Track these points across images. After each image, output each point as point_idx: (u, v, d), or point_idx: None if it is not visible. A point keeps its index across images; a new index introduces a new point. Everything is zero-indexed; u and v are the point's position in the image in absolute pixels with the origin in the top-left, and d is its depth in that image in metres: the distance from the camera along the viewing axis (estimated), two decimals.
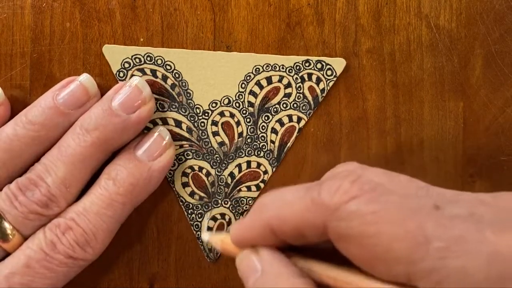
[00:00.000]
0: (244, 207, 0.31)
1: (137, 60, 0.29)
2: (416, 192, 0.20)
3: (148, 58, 0.29)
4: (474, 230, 0.18)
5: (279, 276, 0.21)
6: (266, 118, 0.30)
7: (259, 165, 0.30)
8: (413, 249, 0.18)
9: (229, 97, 0.30)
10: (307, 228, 0.21)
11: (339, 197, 0.20)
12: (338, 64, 0.30)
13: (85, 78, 0.28)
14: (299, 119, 0.30)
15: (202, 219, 0.30)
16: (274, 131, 0.30)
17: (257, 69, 0.30)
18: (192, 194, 0.30)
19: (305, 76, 0.30)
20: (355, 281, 0.20)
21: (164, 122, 0.30)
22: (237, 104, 0.30)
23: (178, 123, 0.30)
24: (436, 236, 0.18)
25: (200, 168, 0.30)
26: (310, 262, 0.22)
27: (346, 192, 0.20)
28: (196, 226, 0.30)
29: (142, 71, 0.29)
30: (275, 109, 0.30)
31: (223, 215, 0.31)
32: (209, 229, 0.30)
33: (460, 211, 0.19)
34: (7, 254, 0.26)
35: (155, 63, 0.29)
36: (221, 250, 0.25)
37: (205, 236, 0.27)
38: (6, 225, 0.25)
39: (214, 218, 0.31)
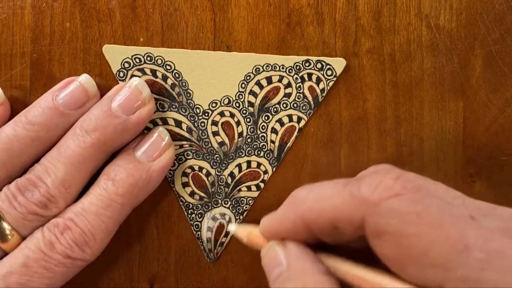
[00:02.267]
0: (244, 207, 0.31)
1: (137, 60, 0.29)
2: (453, 201, 0.20)
3: (148, 58, 0.29)
4: None
5: (304, 272, 0.21)
6: (266, 118, 0.30)
7: (259, 165, 0.30)
8: (452, 255, 0.18)
9: (229, 97, 0.30)
10: (344, 222, 0.20)
11: (381, 192, 0.19)
12: (338, 64, 0.30)
13: (84, 79, 0.28)
14: (299, 119, 0.30)
15: (202, 219, 0.30)
16: (274, 131, 0.30)
17: (257, 69, 0.30)
18: (192, 194, 0.30)
19: (305, 76, 0.30)
20: (382, 282, 0.20)
21: (164, 122, 0.30)
22: (237, 104, 0.30)
23: (178, 123, 0.30)
24: (477, 246, 0.18)
25: (200, 168, 0.30)
26: (337, 260, 0.22)
27: (389, 188, 0.19)
28: (196, 226, 0.30)
29: (142, 71, 0.29)
30: (275, 109, 0.30)
31: (223, 215, 0.31)
32: (209, 229, 0.30)
33: (495, 225, 0.19)
34: (5, 254, 0.26)
35: (155, 63, 0.29)
36: (248, 242, 0.25)
37: (232, 227, 0.27)
38: (5, 225, 0.25)
39: (214, 218, 0.31)
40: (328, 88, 0.30)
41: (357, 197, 0.20)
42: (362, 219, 0.20)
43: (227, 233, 0.31)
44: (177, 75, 0.30)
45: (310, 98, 0.30)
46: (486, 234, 0.18)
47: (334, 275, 0.21)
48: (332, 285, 0.20)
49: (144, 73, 0.29)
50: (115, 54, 0.29)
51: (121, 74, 0.29)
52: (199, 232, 0.30)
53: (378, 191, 0.19)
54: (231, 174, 0.30)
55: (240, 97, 0.30)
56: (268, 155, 0.30)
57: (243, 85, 0.30)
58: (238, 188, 0.31)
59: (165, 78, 0.29)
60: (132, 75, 0.29)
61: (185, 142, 0.30)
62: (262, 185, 0.31)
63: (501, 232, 0.18)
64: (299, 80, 0.30)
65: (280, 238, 0.23)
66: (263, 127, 0.30)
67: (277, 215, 0.23)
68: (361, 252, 0.21)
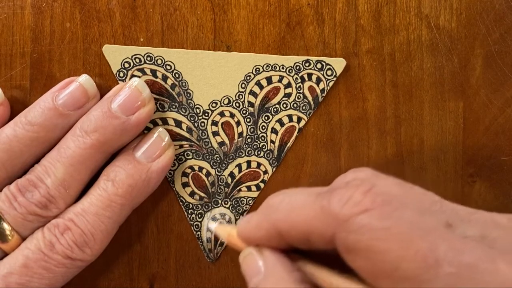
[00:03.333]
0: (244, 207, 0.31)
1: (137, 60, 0.29)
2: (430, 207, 0.20)
3: (148, 58, 0.29)
4: (486, 258, 0.17)
5: (280, 281, 0.21)
6: (266, 118, 0.30)
7: (259, 165, 0.30)
8: (422, 270, 0.17)
9: (229, 97, 0.30)
10: (315, 236, 0.20)
11: (350, 208, 0.19)
12: (338, 64, 0.30)
13: (84, 79, 0.28)
14: (299, 119, 0.30)
15: (202, 219, 0.30)
16: (274, 131, 0.30)
17: (257, 69, 0.30)
18: (192, 194, 0.30)
19: (305, 76, 0.30)
20: None
21: (164, 122, 0.30)
22: (237, 104, 0.30)
23: (178, 123, 0.30)
24: (448, 260, 0.17)
25: (200, 168, 0.30)
26: (313, 266, 0.22)
27: (358, 203, 0.19)
28: (196, 226, 0.30)
29: (142, 71, 0.29)
30: (275, 109, 0.30)
31: (223, 215, 0.31)
32: (209, 229, 0.30)
33: (472, 232, 0.19)
34: (6, 255, 0.26)
35: (155, 63, 0.29)
36: (227, 242, 0.25)
37: (212, 225, 0.26)
38: (5, 226, 0.25)
39: (214, 218, 0.31)
40: (328, 88, 0.30)
41: (327, 212, 0.20)
42: (332, 234, 0.20)
43: None
44: (177, 75, 0.30)
45: (310, 98, 0.30)
46: (458, 246, 0.18)
47: (310, 283, 0.21)
48: None
49: (144, 73, 0.29)
50: (115, 54, 0.29)
51: (121, 74, 0.29)
52: (199, 232, 0.30)
53: (347, 207, 0.19)
54: (231, 174, 0.30)
55: (240, 97, 0.30)
56: (268, 155, 0.30)
57: (243, 85, 0.30)
58: (238, 188, 0.31)
59: (165, 78, 0.29)
60: (132, 75, 0.29)
61: (185, 142, 0.30)
62: (262, 185, 0.31)
63: (476, 239, 0.18)
64: (299, 80, 0.30)
65: (256, 243, 0.23)
66: (263, 127, 0.30)
67: (252, 221, 0.23)
68: (338, 256, 0.21)
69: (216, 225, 0.26)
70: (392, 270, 0.18)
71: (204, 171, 0.30)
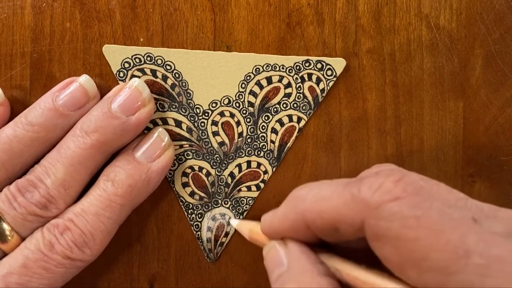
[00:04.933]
0: (244, 207, 0.31)
1: (137, 60, 0.29)
2: (456, 203, 0.20)
3: (148, 58, 0.29)
4: None
5: (304, 273, 0.21)
6: (266, 118, 0.30)
7: (259, 165, 0.30)
8: (451, 261, 0.17)
9: (229, 97, 0.30)
10: (344, 224, 0.20)
11: (381, 195, 0.19)
12: (338, 64, 0.30)
13: (84, 80, 0.28)
14: (299, 119, 0.30)
15: (202, 219, 0.30)
16: (274, 131, 0.30)
17: (257, 69, 0.30)
18: (192, 194, 0.30)
19: (305, 76, 0.30)
20: (380, 284, 0.20)
21: (164, 122, 0.30)
22: (237, 104, 0.30)
23: (178, 123, 0.30)
24: (478, 251, 0.17)
25: (200, 168, 0.30)
26: (337, 260, 0.22)
27: (389, 191, 0.19)
28: (196, 226, 0.30)
29: (142, 71, 0.29)
30: (275, 109, 0.30)
31: (223, 215, 0.31)
32: (209, 229, 0.30)
33: (498, 228, 0.19)
34: (5, 255, 0.26)
35: (155, 63, 0.29)
36: (249, 239, 0.25)
37: (234, 221, 0.26)
38: (5, 226, 0.25)
39: (214, 218, 0.31)
40: (328, 88, 0.30)
41: (357, 199, 0.20)
42: (362, 222, 0.20)
43: (227, 233, 0.31)
44: (177, 75, 0.30)
45: (310, 98, 0.30)
46: (487, 239, 0.18)
47: (334, 276, 0.21)
48: (332, 286, 0.20)
49: (144, 73, 0.29)
50: (115, 54, 0.29)
51: (121, 74, 0.29)
52: (199, 232, 0.30)
53: (378, 194, 0.19)
54: (231, 174, 0.30)
55: (240, 97, 0.30)
56: (268, 155, 0.30)
57: (243, 85, 0.30)
58: (238, 188, 0.31)
59: (165, 78, 0.29)
60: (132, 75, 0.29)
61: (185, 142, 0.30)
62: (262, 185, 0.31)
63: (503, 235, 0.18)
64: (299, 80, 0.30)
65: (280, 237, 0.23)
66: (263, 127, 0.30)
67: (277, 214, 0.23)
68: (364, 251, 0.21)
69: (238, 221, 0.26)
70: (421, 259, 0.18)
71: (204, 171, 0.30)
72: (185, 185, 0.30)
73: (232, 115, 0.30)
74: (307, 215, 0.21)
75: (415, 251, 0.18)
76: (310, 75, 0.30)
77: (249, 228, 0.25)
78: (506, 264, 0.17)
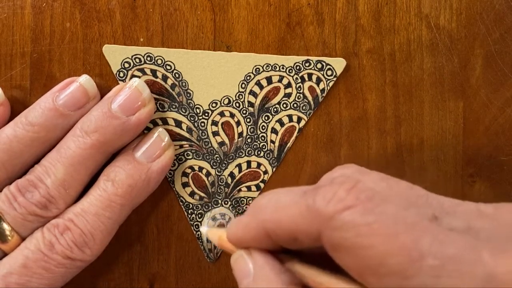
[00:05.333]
0: (244, 207, 0.31)
1: (137, 60, 0.29)
2: (416, 201, 0.20)
3: (148, 58, 0.29)
4: (470, 249, 0.17)
5: (268, 283, 0.21)
6: (266, 118, 0.30)
7: (259, 165, 0.30)
8: (406, 264, 0.17)
9: (229, 97, 0.30)
10: (301, 234, 0.20)
11: (334, 205, 0.19)
12: (338, 64, 0.30)
13: (84, 80, 0.28)
14: (299, 119, 0.30)
15: (202, 219, 0.30)
16: (274, 131, 0.30)
17: (257, 69, 0.30)
18: (192, 194, 0.30)
19: (305, 76, 0.30)
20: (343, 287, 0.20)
21: (164, 122, 0.30)
22: (237, 104, 0.30)
23: (178, 123, 0.30)
24: (432, 253, 0.17)
25: (200, 168, 0.30)
26: (302, 266, 0.22)
27: (341, 200, 0.19)
28: (196, 226, 0.30)
29: (142, 71, 0.29)
30: (275, 109, 0.30)
31: (223, 215, 0.31)
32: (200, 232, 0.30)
33: (457, 224, 0.19)
34: (5, 255, 0.26)
35: (155, 63, 0.29)
36: (218, 246, 0.25)
37: (204, 229, 0.27)
38: (5, 226, 0.25)
39: (214, 218, 0.31)
40: (328, 88, 0.30)
41: (311, 210, 0.20)
42: (318, 232, 0.20)
43: None
44: (177, 75, 0.30)
45: (310, 98, 0.30)
46: (442, 238, 0.18)
47: (299, 284, 0.21)
48: None
49: (144, 73, 0.29)
50: (115, 54, 0.29)
51: (121, 74, 0.29)
52: (199, 232, 0.30)
53: (331, 204, 0.19)
54: (231, 174, 0.30)
55: (240, 97, 0.30)
56: (268, 155, 0.30)
57: (243, 85, 0.30)
58: (238, 188, 0.31)
59: (165, 78, 0.29)
60: (132, 75, 0.29)
61: (185, 142, 0.30)
62: (262, 185, 0.31)
63: (461, 231, 0.18)
64: (299, 80, 0.30)
65: (245, 245, 0.23)
66: (263, 127, 0.30)
67: (240, 223, 0.23)
68: (328, 255, 0.21)
69: (207, 228, 0.27)
70: (377, 266, 0.18)
71: (204, 171, 0.30)
72: (185, 185, 0.30)
73: (232, 115, 0.30)
74: (266, 225, 0.21)
75: (371, 258, 0.18)
76: (310, 75, 0.30)
77: (218, 236, 0.25)
78: (460, 262, 0.17)
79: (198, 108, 0.30)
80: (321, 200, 0.20)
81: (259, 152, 0.30)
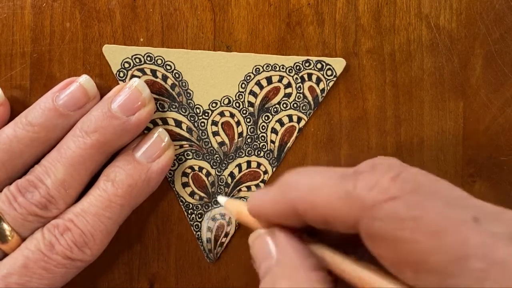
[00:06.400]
0: None
1: (137, 60, 0.29)
2: (458, 201, 0.19)
3: (148, 58, 0.29)
4: None
5: (295, 268, 0.20)
6: (266, 118, 0.30)
7: (259, 165, 0.30)
8: (451, 263, 0.17)
9: (229, 97, 0.30)
10: (337, 219, 0.19)
11: (377, 194, 0.18)
12: (338, 64, 0.30)
13: (84, 80, 0.28)
14: (299, 119, 0.30)
15: (202, 219, 0.30)
16: (274, 131, 0.30)
17: (257, 69, 0.30)
18: (192, 194, 0.30)
19: (305, 76, 0.30)
20: (367, 280, 0.19)
21: (164, 122, 0.30)
22: (237, 104, 0.30)
23: (178, 123, 0.30)
24: (478, 255, 0.17)
25: (200, 168, 0.30)
26: (326, 250, 0.21)
27: (385, 190, 0.18)
28: (196, 226, 0.30)
29: (142, 71, 0.29)
30: (275, 109, 0.30)
31: (223, 215, 0.31)
32: (209, 229, 0.30)
33: (500, 230, 0.18)
34: (5, 255, 0.26)
35: (155, 63, 0.29)
36: (237, 219, 0.24)
37: (222, 199, 0.26)
38: (5, 226, 0.25)
39: (214, 218, 0.31)
40: (328, 88, 0.30)
41: (351, 197, 0.19)
42: (356, 220, 0.19)
43: (227, 233, 0.31)
44: (177, 75, 0.30)
45: (310, 98, 0.30)
46: (489, 241, 0.17)
47: (324, 268, 0.21)
48: (323, 282, 0.20)
49: (144, 73, 0.29)
50: (115, 54, 0.29)
51: (121, 74, 0.29)
52: (199, 232, 0.30)
53: (373, 193, 0.18)
54: (231, 174, 0.30)
55: (240, 97, 0.30)
56: (268, 155, 0.30)
57: (243, 85, 0.30)
58: (238, 188, 0.31)
59: (165, 78, 0.29)
60: (132, 75, 0.29)
61: (185, 142, 0.30)
62: (262, 185, 0.31)
63: (505, 238, 0.17)
64: (299, 80, 0.30)
65: (268, 221, 0.22)
66: (263, 127, 0.30)
67: (267, 197, 0.22)
68: (355, 238, 0.20)
69: (227, 199, 0.25)
70: (419, 261, 0.17)
71: (204, 171, 0.30)
72: (185, 185, 0.30)
73: (232, 115, 0.30)
74: (298, 204, 0.20)
75: (413, 253, 0.17)
76: (310, 75, 0.30)
77: (237, 209, 0.24)
78: (506, 268, 0.16)
79: (198, 108, 0.30)
80: (362, 187, 0.19)
81: (259, 152, 0.30)
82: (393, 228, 0.18)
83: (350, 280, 0.20)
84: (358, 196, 0.19)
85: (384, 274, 0.19)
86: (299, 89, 0.30)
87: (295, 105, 0.30)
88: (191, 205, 0.30)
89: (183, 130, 0.30)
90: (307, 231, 0.22)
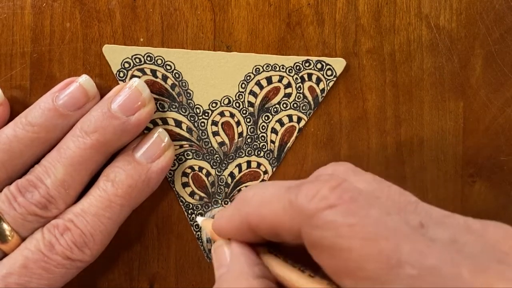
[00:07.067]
0: None
1: (137, 60, 0.29)
2: (405, 207, 0.19)
3: (148, 58, 0.29)
4: (450, 263, 0.17)
5: (240, 275, 0.21)
6: (266, 118, 0.30)
7: (259, 165, 0.30)
8: (384, 270, 0.17)
9: (229, 97, 0.30)
10: (283, 230, 0.20)
11: (316, 203, 0.19)
12: (338, 64, 0.30)
13: (84, 80, 0.28)
14: (299, 119, 0.30)
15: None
16: (274, 131, 0.30)
17: (257, 69, 0.30)
18: (192, 194, 0.30)
19: (305, 76, 0.30)
20: (305, 287, 0.20)
21: (164, 122, 0.30)
22: (237, 104, 0.30)
23: (178, 123, 0.30)
24: (411, 261, 0.17)
25: (200, 168, 0.30)
26: (274, 260, 0.22)
27: (324, 199, 0.19)
28: (196, 226, 0.30)
29: (142, 71, 0.29)
30: (275, 109, 0.30)
31: None
32: (197, 222, 0.31)
33: (443, 235, 0.18)
34: (5, 255, 0.26)
35: (155, 63, 0.29)
36: (210, 237, 0.25)
37: (199, 219, 0.27)
38: (5, 226, 0.25)
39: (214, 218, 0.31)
40: (328, 88, 0.30)
41: (294, 206, 0.19)
42: (299, 229, 0.19)
43: None
44: (177, 75, 0.30)
45: (310, 98, 0.30)
46: (423, 248, 0.17)
47: (272, 278, 0.21)
48: (264, 287, 0.20)
49: (144, 73, 0.29)
50: (115, 54, 0.29)
51: (121, 74, 0.29)
52: (199, 232, 0.30)
53: (313, 202, 0.19)
54: (231, 174, 0.30)
55: (240, 97, 0.30)
56: (268, 155, 0.30)
57: (243, 85, 0.30)
58: (238, 188, 0.31)
59: (165, 78, 0.29)
60: (132, 75, 0.29)
61: (185, 142, 0.30)
62: None
63: (445, 243, 0.18)
64: (299, 80, 0.30)
65: (229, 237, 0.23)
66: (263, 127, 0.30)
67: (225, 215, 0.23)
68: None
69: (202, 218, 0.27)
70: (355, 269, 0.18)
71: (204, 171, 0.30)
72: (185, 185, 0.30)
73: (232, 115, 0.30)
74: (250, 218, 0.21)
75: (349, 260, 0.18)
76: (310, 75, 0.30)
77: (209, 228, 0.25)
78: (438, 275, 0.17)
79: (198, 108, 0.30)
80: (303, 196, 0.19)
81: (259, 152, 0.30)
82: (331, 235, 0.18)
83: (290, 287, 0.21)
84: (299, 206, 0.19)
85: (326, 284, 0.20)
86: (299, 89, 0.30)
87: (295, 105, 0.30)
88: (191, 205, 0.30)
89: (183, 130, 0.30)
90: (272, 246, 0.23)
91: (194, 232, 0.30)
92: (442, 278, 0.17)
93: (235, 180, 0.30)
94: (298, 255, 0.22)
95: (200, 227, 0.30)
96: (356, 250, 0.18)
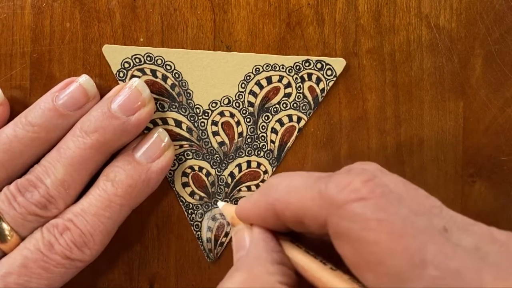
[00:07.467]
0: None
1: (137, 60, 0.29)
2: (430, 210, 0.19)
3: (148, 58, 0.29)
4: (474, 268, 0.17)
5: (257, 260, 0.21)
6: (266, 118, 0.30)
7: (259, 165, 0.30)
8: (406, 268, 0.17)
9: (229, 97, 0.30)
10: (308, 218, 0.20)
11: (346, 194, 0.19)
12: (338, 64, 0.30)
13: (84, 80, 0.28)
14: (299, 119, 0.30)
15: (202, 219, 0.30)
16: (274, 131, 0.30)
17: (257, 69, 0.30)
18: (192, 194, 0.30)
19: (305, 76, 0.30)
20: (324, 280, 0.20)
21: (164, 122, 0.30)
22: (237, 104, 0.30)
23: (178, 123, 0.30)
24: (434, 263, 0.17)
25: (200, 168, 0.30)
26: (296, 249, 0.22)
27: (355, 190, 0.19)
28: (196, 226, 0.30)
29: (142, 71, 0.29)
30: (275, 109, 0.30)
31: (223, 215, 0.31)
32: (209, 229, 0.31)
33: (466, 242, 0.18)
34: (4, 255, 0.26)
35: (155, 63, 0.29)
36: (231, 223, 0.25)
37: (220, 204, 0.27)
38: (4, 225, 0.25)
39: (214, 218, 0.31)
40: (328, 88, 0.30)
41: (322, 196, 0.19)
42: (325, 219, 0.19)
43: (227, 233, 0.31)
44: (177, 75, 0.30)
45: (310, 98, 0.30)
46: (448, 251, 0.17)
47: (290, 265, 0.21)
48: (281, 276, 0.20)
49: (144, 73, 0.29)
50: (115, 54, 0.29)
51: (121, 74, 0.29)
52: (199, 232, 0.30)
53: (344, 193, 0.19)
54: (231, 174, 0.30)
55: (240, 97, 0.30)
56: (268, 155, 0.30)
57: (243, 85, 0.30)
58: (238, 188, 0.31)
59: (165, 78, 0.29)
60: (132, 75, 0.29)
61: (185, 142, 0.30)
62: (262, 185, 0.31)
63: (469, 250, 0.18)
64: (299, 80, 0.30)
65: (252, 222, 0.23)
66: (263, 127, 0.30)
67: (251, 199, 0.23)
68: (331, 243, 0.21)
69: (224, 203, 0.27)
70: (378, 263, 0.18)
71: (204, 171, 0.30)
72: (185, 185, 0.30)
73: (232, 115, 0.30)
74: (276, 204, 0.21)
75: (373, 254, 0.18)
76: (310, 75, 0.30)
77: (231, 213, 0.25)
78: (460, 279, 0.17)
79: (198, 108, 0.30)
80: (334, 186, 0.19)
81: (259, 152, 0.30)
82: (358, 228, 0.18)
83: (309, 278, 0.21)
84: (328, 195, 0.19)
85: (346, 279, 0.20)
86: (299, 89, 0.30)
87: (295, 105, 0.30)
88: (191, 205, 0.30)
89: (183, 130, 0.30)
90: (294, 237, 0.23)
91: (194, 232, 0.30)
92: (464, 282, 0.17)
93: (235, 180, 0.30)
94: (319, 249, 0.22)
95: (200, 227, 0.30)
96: (381, 244, 0.18)
